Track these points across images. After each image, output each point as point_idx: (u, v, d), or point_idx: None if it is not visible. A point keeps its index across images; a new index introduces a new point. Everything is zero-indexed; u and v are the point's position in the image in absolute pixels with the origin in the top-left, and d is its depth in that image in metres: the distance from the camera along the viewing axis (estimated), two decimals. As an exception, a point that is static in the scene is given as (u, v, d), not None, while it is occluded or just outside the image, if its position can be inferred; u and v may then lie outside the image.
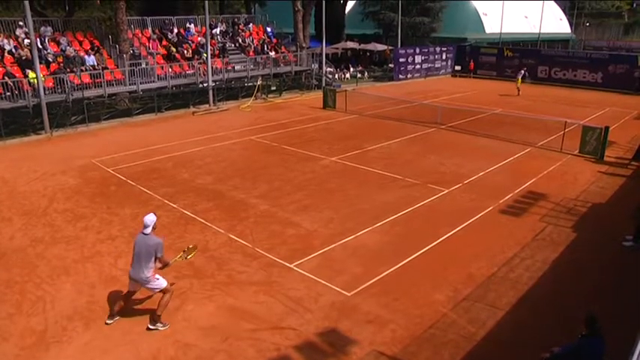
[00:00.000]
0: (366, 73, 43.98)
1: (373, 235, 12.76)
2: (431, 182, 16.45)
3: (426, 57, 44.09)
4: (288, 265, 11.26)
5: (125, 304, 9.51)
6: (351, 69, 43.94)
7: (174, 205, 14.71)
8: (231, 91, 31.76)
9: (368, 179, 16.85)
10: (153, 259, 8.98)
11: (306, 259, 11.50)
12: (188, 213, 14.15)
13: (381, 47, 46.85)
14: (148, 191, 15.83)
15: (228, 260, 11.53)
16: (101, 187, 16.37)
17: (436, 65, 45.19)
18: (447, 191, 15.79)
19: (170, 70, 29.20)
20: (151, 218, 9.06)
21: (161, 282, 9.20)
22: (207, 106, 29.64)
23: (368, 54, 49.03)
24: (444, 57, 45.76)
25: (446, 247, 12.20)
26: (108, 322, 9.34)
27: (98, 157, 19.40)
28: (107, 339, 8.91)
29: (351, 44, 47.66)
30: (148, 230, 9.00)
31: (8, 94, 23.24)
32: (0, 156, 20.09)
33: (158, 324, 9.17)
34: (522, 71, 36.24)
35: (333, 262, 11.37)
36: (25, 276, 10.94)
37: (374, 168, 17.87)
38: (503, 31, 48.60)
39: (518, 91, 34.69)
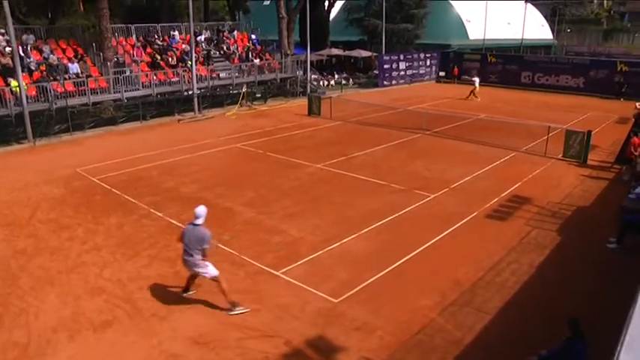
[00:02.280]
0: (350, 80, 44.14)
1: (359, 241, 12.77)
2: (417, 188, 16.52)
3: (411, 63, 44.35)
4: (274, 272, 11.23)
5: (187, 285, 10.37)
6: (336, 76, 44.07)
7: (160, 214, 14.63)
8: (217, 98, 31.71)
9: (354, 186, 16.88)
10: (202, 246, 9.58)
11: (292, 266, 11.48)
12: (174, 222, 14.06)
13: (365, 54, 47.02)
14: (134, 200, 15.73)
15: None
16: (86, 196, 16.22)
17: (420, 71, 45.47)
18: (432, 197, 15.86)
19: (155, 77, 29.08)
20: (202, 210, 9.68)
21: (210, 269, 9.75)
22: (192, 113, 29.51)
23: (352, 60, 49.21)
24: (428, 63, 46.06)
25: (432, 253, 12.23)
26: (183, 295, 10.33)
27: (83, 167, 19.21)
28: (93, 350, 8.82)
29: (335, 51, 47.79)
30: (200, 221, 9.65)
31: None
32: None
33: (237, 308, 9.80)
34: (476, 78, 36.77)
35: (320, 269, 11.37)
36: (7, 288, 10.76)
37: (359, 174, 17.90)
38: (486, 37, 49.03)
39: (473, 95, 35.22)
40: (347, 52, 48.04)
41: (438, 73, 46.50)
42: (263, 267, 11.50)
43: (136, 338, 9.15)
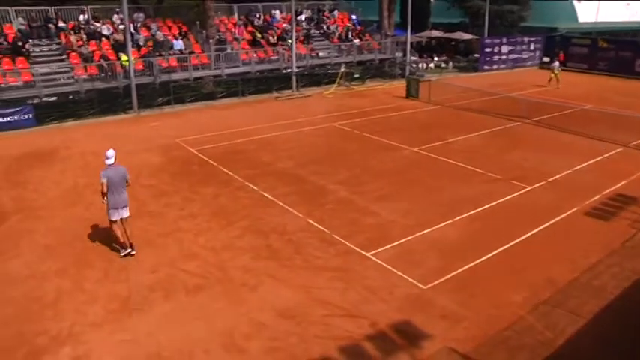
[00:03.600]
0: (450, 63, 43.01)
1: (452, 228, 12.51)
2: (513, 178, 15.89)
3: (513, 47, 42.49)
4: (364, 253, 11.23)
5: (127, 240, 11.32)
6: (435, 58, 43.09)
7: (255, 188, 15.02)
8: (315, 77, 32.03)
9: (448, 172, 16.52)
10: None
11: (383, 248, 11.43)
12: (268, 196, 14.41)
13: (466, 36, 45.54)
14: (230, 172, 16.24)
15: (305, 245, 11.66)
16: (184, 166, 16.97)
17: (523, 56, 43.48)
18: (529, 188, 15.20)
19: (254, 55, 29.81)
20: (112, 152, 11.10)
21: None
22: (290, 91, 30.03)
23: (453, 43, 47.88)
24: (531, 47, 43.93)
25: (525, 247, 11.73)
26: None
27: (182, 137, 20.14)
28: (184, 311, 9.30)
29: (436, 33, 46.65)
30: (112, 161, 10.97)
31: (103, 75, 24.62)
32: (93, 132, 21.53)
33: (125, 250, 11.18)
34: (556, 62, 34.15)
35: (410, 254, 11.25)
36: (112, 245, 11.54)
37: (455, 160, 17.47)
38: (598, 20, 45.76)
39: (555, 80, 32.98)
40: (447, 35, 46.73)
41: (542, 59, 44.20)
42: (353, 247, 11.53)
43: (225, 304, 9.52)
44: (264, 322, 8.95)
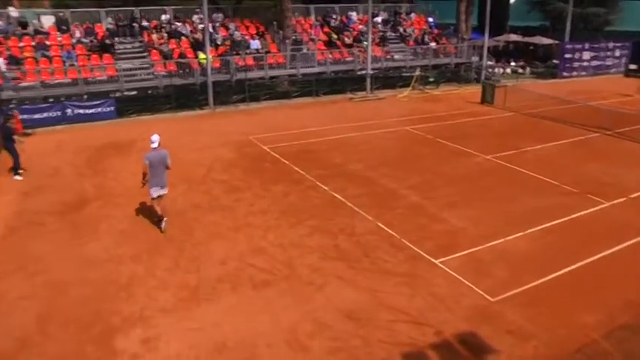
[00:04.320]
0: (527, 69, 41.78)
1: (523, 241, 12.19)
2: (590, 192, 15.24)
3: (597, 53, 40.63)
4: (433, 260, 11.17)
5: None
6: (512, 63, 42.03)
7: (326, 188, 15.20)
8: (389, 80, 32.00)
9: (522, 181, 16.13)
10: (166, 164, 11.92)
11: (451, 256, 11.31)
12: (338, 196, 14.55)
13: (546, 41, 44.06)
14: (301, 171, 16.52)
15: (374, 248, 11.69)
16: (256, 162, 17.44)
17: (607, 63, 41.53)
18: (608, 204, 14.48)
19: (330, 56, 30.11)
20: (156, 136, 11.86)
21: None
22: (364, 93, 30.13)
23: (531, 48, 46.50)
24: (617, 54, 41.85)
25: (601, 266, 11.16)
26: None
27: (255, 135, 20.71)
28: (251, 305, 9.58)
29: (514, 37, 45.43)
30: (156, 145, 11.72)
31: (181, 72, 25.90)
32: (170, 126, 22.62)
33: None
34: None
35: (479, 264, 11.09)
36: (184, 235, 12.27)
37: (529, 170, 17.01)
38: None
39: None
40: (526, 39, 45.41)
41: (628, 66, 41.96)
42: (422, 253, 11.47)
43: (291, 301, 9.71)
44: (328, 323, 9.06)
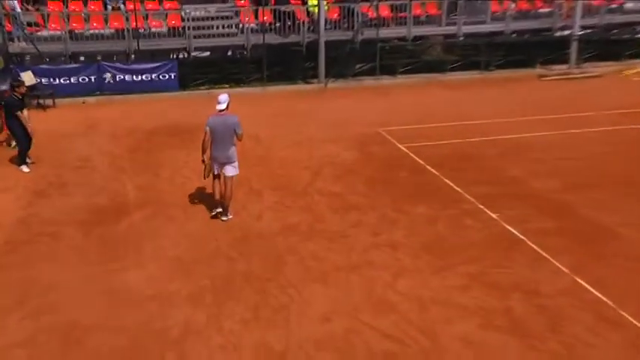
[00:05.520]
0: None
1: None
2: None
3: None
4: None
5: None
6: None
7: (494, 215, 11.37)
8: (609, 46, 24.55)
9: None
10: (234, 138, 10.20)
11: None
12: (513, 230, 10.71)
13: None
14: (456, 187, 12.83)
15: (569, 319, 7.95)
16: (387, 169, 13.98)
17: None
18: None
19: (513, 5, 23.68)
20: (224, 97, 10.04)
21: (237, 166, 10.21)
22: (564, 67, 23.36)
23: None
24: None
25: None
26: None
27: (386, 126, 16.73)
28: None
29: None
30: (223, 106, 9.88)
31: (279, 24, 20.51)
32: (259, 106, 18.29)
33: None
34: None
35: None
36: (268, 272, 9.28)
37: None
38: None
39: None
40: None
41: None
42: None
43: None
44: None
